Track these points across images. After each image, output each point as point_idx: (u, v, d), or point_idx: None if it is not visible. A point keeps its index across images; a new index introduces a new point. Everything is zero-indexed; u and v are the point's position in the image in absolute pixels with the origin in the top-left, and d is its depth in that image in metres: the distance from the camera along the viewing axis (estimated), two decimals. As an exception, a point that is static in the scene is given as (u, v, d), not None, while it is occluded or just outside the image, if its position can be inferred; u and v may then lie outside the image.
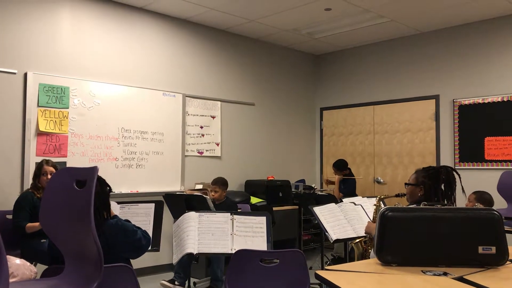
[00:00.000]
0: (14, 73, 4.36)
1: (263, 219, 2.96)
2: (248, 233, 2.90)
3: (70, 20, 4.76)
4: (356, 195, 5.71)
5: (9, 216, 3.96)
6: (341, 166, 5.91)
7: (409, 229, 2.12)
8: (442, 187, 2.72)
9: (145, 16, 5.34)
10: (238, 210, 4.64)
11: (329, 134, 7.11)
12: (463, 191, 2.80)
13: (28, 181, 4.25)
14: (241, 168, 6.16)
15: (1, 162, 4.28)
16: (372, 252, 2.80)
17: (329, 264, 5.59)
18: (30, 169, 4.34)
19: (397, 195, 2.96)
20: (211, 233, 2.89)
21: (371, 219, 3.37)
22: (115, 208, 2.80)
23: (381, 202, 3.17)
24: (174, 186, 5.46)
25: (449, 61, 5.82)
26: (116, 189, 4.96)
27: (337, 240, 3.23)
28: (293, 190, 6.21)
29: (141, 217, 2.81)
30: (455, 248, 2.11)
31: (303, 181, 6.57)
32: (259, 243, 2.85)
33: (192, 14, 5.49)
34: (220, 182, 4.67)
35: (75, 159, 4.70)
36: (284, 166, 6.70)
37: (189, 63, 5.74)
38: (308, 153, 7.13)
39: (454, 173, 2.74)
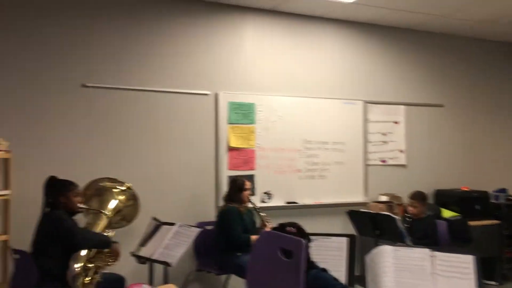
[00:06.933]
0: (207, 94, 4.70)
1: (468, 259, 2.60)
2: (453, 274, 2.59)
3: (252, 39, 4.93)
4: None
5: (208, 227, 4.30)
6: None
7: None
8: None
9: (323, 24, 5.25)
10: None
11: (538, 134, 6.08)
12: None
13: (221, 194, 4.54)
14: (429, 177, 5.66)
15: (199, 176, 4.66)
16: None
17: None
18: (223, 183, 4.65)
19: None
20: (408, 271, 2.66)
21: None
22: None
23: None
24: (357, 197, 5.29)
25: None
26: (300, 200, 5.02)
27: None
28: (491, 200, 5.49)
29: (334, 252, 2.72)
30: None
31: (504, 190, 5.76)
32: (467, 287, 2.52)
33: (374, 17, 5.22)
34: (420, 197, 4.35)
35: (261, 172, 4.88)
36: (480, 172, 5.94)
37: (369, 67, 5.48)
38: (511, 158, 6.22)
39: None
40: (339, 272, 2.71)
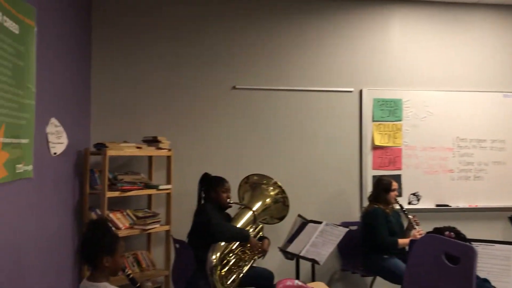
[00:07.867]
0: (351, 91, 4.63)
1: None
2: None
3: (399, 32, 4.72)
4: None
5: (353, 228, 4.22)
6: None
7: None
8: None
9: (476, 11, 4.80)
10: None
11: None
12: None
13: (365, 194, 4.45)
14: None
15: (342, 175, 4.61)
16: None
17: None
18: (368, 183, 4.54)
19: None
20: None
21: None
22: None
23: None
24: (521, 201, 4.74)
25: None
26: (453, 203, 4.67)
27: None
28: None
29: (498, 261, 2.45)
30: None
31: None
32: None
33: (539, -3, 4.62)
34: None
35: (409, 172, 4.64)
36: None
37: (536, 55, 4.86)
38: None
39: None
40: (505, 283, 2.43)
